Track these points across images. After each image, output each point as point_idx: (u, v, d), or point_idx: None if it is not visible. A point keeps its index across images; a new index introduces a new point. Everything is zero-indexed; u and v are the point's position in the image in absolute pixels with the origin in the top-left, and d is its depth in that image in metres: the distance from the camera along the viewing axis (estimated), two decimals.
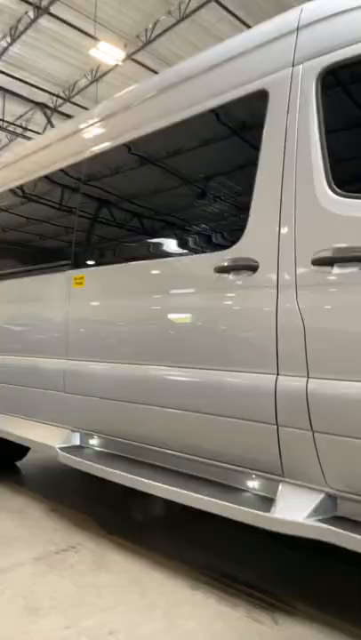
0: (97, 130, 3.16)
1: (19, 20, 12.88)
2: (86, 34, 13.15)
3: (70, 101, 16.45)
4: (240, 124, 2.42)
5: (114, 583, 2.30)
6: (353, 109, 2.03)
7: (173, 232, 2.64)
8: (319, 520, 1.81)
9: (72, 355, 2.99)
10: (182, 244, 2.55)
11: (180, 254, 2.50)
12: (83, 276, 3.00)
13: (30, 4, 12.32)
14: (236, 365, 2.14)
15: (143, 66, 14.36)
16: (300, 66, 2.06)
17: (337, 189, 1.86)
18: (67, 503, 3.36)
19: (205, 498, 2.11)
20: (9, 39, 13.46)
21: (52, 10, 12.36)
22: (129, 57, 14.03)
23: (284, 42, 2.19)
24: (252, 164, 2.19)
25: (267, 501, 2.00)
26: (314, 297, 1.86)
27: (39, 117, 17.53)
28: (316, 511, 1.84)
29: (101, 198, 3.08)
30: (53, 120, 17.27)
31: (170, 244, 2.61)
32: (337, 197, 1.85)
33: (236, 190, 2.37)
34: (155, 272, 2.60)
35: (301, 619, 2.01)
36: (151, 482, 2.35)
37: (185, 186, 2.63)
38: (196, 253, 2.43)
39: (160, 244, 2.65)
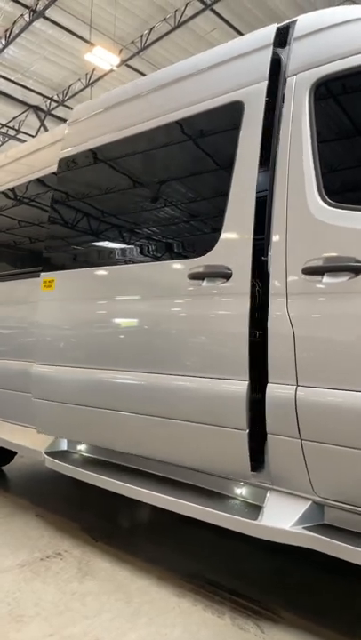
0: (72, 135, 3.15)
1: (14, 23, 12.87)
2: (81, 38, 13.19)
3: (64, 105, 16.45)
4: (216, 133, 2.43)
5: (99, 590, 2.28)
6: (345, 120, 2.05)
7: (148, 238, 2.63)
8: (306, 528, 1.81)
9: (39, 358, 2.97)
10: (157, 250, 2.55)
11: (155, 260, 2.51)
12: (53, 279, 2.99)
13: (26, 7, 12.33)
14: (208, 372, 2.16)
15: (138, 72, 14.42)
16: (294, 77, 2.09)
17: (329, 199, 1.89)
18: (53, 509, 3.33)
19: (193, 505, 2.10)
20: (4, 41, 13.45)
21: (48, 13, 12.38)
22: (124, 62, 14.09)
23: (258, 56, 2.24)
24: (226, 173, 2.22)
25: (254, 509, 2.01)
26: (304, 306, 1.88)
27: (33, 120, 17.51)
28: (303, 519, 1.85)
29: (73, 204, 3.06)
30: (47, 123, 17.26)
31: (143, 250, 2.62)
32: (328, 207, 1.87)
33: (210, 198, 2.39)
34: (127, 277, 2.60)
35: (286, 627, 2.01)
36: (138, 488, 2.34)
37: (161, 192, 2.63)
38: (170, 259, 2.43)
39: (134, 249, 2.66)
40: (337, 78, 1.97)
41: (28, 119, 17.58)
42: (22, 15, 12.60)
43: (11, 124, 18.13)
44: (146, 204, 2.68)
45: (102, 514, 3.28)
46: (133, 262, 2.59)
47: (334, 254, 1.81)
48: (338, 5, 8.45)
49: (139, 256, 2.60)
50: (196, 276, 2.22)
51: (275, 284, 1.98)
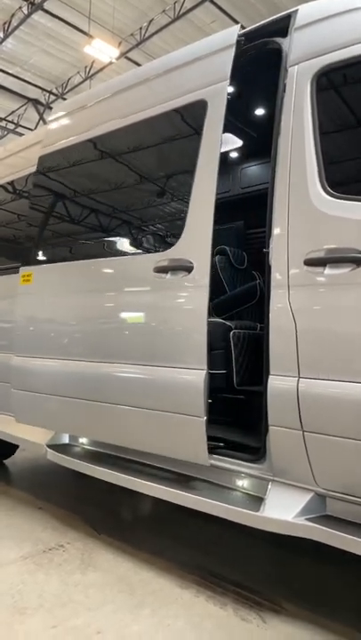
0: (50, 133, 3.27)
1: (12, 16, 12.77)
2: (80, 31, 13.08)
3: (63, 98, 16.34)
4: (182, 131, 2.52)
5: (102, 582, 2.29)
6: (348, 110, 2.04)
7: (117, 233, 2.77)
8: (308, 519, 1.82)
9: (17, 350, 3.08)
10: (126, 245, 2.67)
11: (124, 254, 2.62)
12: (30, 274, 3.09)
13: None
14: (171, 361, 2.26)
15: (137, 64, 14.32)
16: (295, 67, 2.07)
17: (331, 191, 1.87)
18: (55, 501, 3.34)
19: (195, 496, 2.11)
20: (2, 34, 13.33)
21: (47, 6, 12.26)
22: (123, 55, 13.99)
23: (222, 56, 2.33)
24: (191, 171, 2.30)
25: (256, 500, 2.01)
26: (306, 297, 1.87)
27: (32, 113, 17.42)
28: (305, 510, 1.85)
29: (49, 201, 3.18)
30: (46, 116, 17.17)
31: (114, 245, 2.74)
32: (331, 199, 1.86)
33: (176, 195, 2.50)
34: (99, 271, 2.70)
35: (289, 617, 2.02)
36: (140, 480, 2.35)
37: (130, 189, 2.75)
38: (138, 254, 2.54)
39: (105, 244, 2.78)
40: (339, 68, 1.95)
41: (27, 113, 17.48)
42: (21, 8, 12.48)
43: (10, 118, 18.03)
44: (116, 201, 2.83)
45: (105, 506, 3.29)
46: (105, 256, 2.70)
47: (336, 245, 1.81)
48: None
49: (110, 251, 2.73)
50: (161, 270, 2.32)
51: (276, 276, 1.98)
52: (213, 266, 2.15)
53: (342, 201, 1.83)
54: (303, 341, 1.85)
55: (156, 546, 2.67)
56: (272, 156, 2.08)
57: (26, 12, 12.48)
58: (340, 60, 1.93)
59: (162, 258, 2.32)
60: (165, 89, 2.56)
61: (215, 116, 2.27)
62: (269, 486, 2.00)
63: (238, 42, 2.33)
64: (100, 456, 2.75)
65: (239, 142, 4.10)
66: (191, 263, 2.22)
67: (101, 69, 14.85)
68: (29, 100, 16.96)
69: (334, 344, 1.78)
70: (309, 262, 1.86)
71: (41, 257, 3.12)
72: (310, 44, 2.04)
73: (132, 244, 2.64)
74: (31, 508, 3.24)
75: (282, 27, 2.21)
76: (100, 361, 2.58)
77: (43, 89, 16.35)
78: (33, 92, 16.64)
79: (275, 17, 2.27)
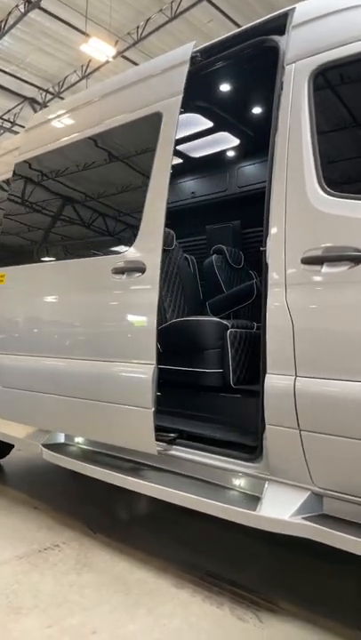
0: (24, 142, 3.47)
1: (9, 14, 12.72)
2: (77, 29, 13.05)
3: (60, 97, 16.30)
4: (140, 142, 2.66)
5: (97, 582, 2.28)
6: (345, 108, 2.03)
7: (81, 237, 2.97)
8: (305, 518, 1.81)
9: None
10: (89, 248, 2.84)
11: (87, 256, 2.78)
12: (4, 274, 3.29)
13: None
14: (125, 357, 2.42)
15: (134, 63, 14.29)
16: (293, 65, 2.06)
17: (328, 189, 1.87)
18: (51, 501, 3.33)
19: (191, 496, 2.10)
20: None
21: (43, 4, 12.22)
22: (120, 54, 13.96)
23: (177, 72, 2.45)
24: (146, 178, 2.46)
25: (253, 499, 2.00)
26: (303, 296, 1.86)
27: (28, 112, 17.34)
28: (301, 509, 1.84)
29: (21, 206, 3.42)
30: None
31: (78, 248, 2.95)
32: (328, 197, 1.85)
33: (132, 202, 2.66)
34: (64, 272, 2.89)
35: (285, 617, 2.01)
36: (136, 480, 2.34)
37: (92, 197, 2.96)
38: (99, 256, 2.70)
39: (70, 247, 3.02)
40: (336, 65, 1.94)
41: (24, 111, 17.41)
42: (17, 6, 12.43)
43: (6, 117, 17.96)
44: (80, 207, 3.03)
45: (101, 506, 3.28)
46: (70, 258, 2.90)
47: (334, 244, 1.80)
48: None
49: (74, 253, 2.93)
50: (118, 271, 2.47)
51: (273, 274, 1.97)
52: (164, 267, 2.43)
53: (340, 199, 1.83)
54: (300, 340, 1.84)
55: (152, 545, 2.66)
56: (269, 155, 2.07)
57: (23, 10, 12.44)
58: (338, 58, 1.93)
59: (119, 260, 2.49)
60: (127, 101, 2.72)
61: (169, 128, 2.42)
62: (266, 485, 2.00)
63: (193, 58, 2.45)
64: (96, 455, 2.74)
65: (236, 141, 4.10)
66: (144, 265, 2.36)
67: (98, 68, 14.81)
68: (26, 98, 16.90)
69: (331, 343, 1.77)
70: (307, 261, 1.85)
71: (13, 258, 3.33)
72: (308, 41, 2.04)
73: (93, 247, 2.81)
74: (26, 507, 3.22)
75: (279, 25, 2.20)
76: (64, 357, 2.75)
77: (39, 87, 16.29)
78: (29, 91, 16.58)
79: (272, 15, 2.26)
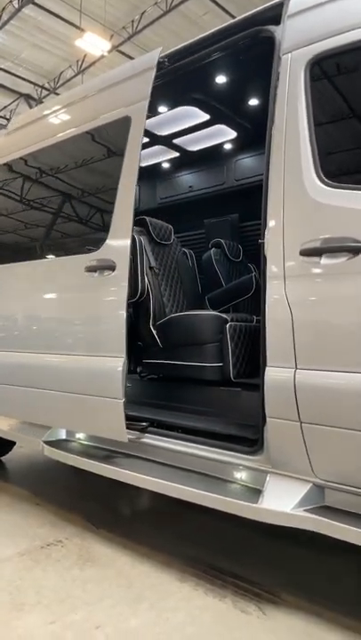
0: (1, 146, 3.64)
1: (3, 10, 12.64)
2: (72, 24, 12.98)
3: (55, 92, 16.23)
4: (110, 145, 2.81)
5: (100, 577, 2.28)
6: (342, 98, 2.02)
7: (57, 237, 3.18)
8: (307, 510, 1.81)
9: None
10: (64, 247, 3.04)
11: (62, 255, 2.96)
12: None
13: None
14: (97, 351, 2.56)
15: (129, 57, 14.21)
16: (289, 55, 2.04)
17: (326, 180, 1.85)
18: (53, 497, 3.33)
19: (193, 490, 2.10)
20: None
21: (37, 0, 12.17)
22: (115, 48, 13.89)
23: (144, 77, 2.55)
24: (116, 179, 2.56)
25: (254, 492, 2.00)
26: (302, 288, 1.85)
27: (24, 109, 17.27)
28: (303, 501, 1.84)
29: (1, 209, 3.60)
30: None
31: (54, 247, 3.14)
32: (326, 188, 1.84)
33: (103, 202, 2.80)
34: (42, 270, 3.05)
35: (288, 609, 2.01)
36: (137, 474, 2.34)
37: (68, 198, 3.11)
38: (74, 255, 2.82)
39: (47, 247, 3.19)
40: (333, 55, 1.92)
41: (20, 108, 17.34)
42: (11, 2, 12.37)
43: (2, 113, 17.89)
44: (55, 209, 3.20)
45: (103, 501, 3.28)
46: (46, 258, 3.08)
47: (332, 235, 1.79)
48: None
49: (51, 253, 3.11)
50: (91, 269, 2.59)
51: (272, 267, 1.96)
52: (133, 265, 2.55)
53: (338, 190, 1.81)
54: (300, 332, 1.84)
55: (154, 540, 2.66)
56: (266, 146, 2.05)
57: (17, 5, 12.37)
58: (334, 47, 1.90)
59: (92, 259, 2.59)
60: (99, 106, 2.84)
61: (137, 131, 2.52)
62: (267, 478, 2.00)
63: (160, 63, 2.55)
64: (98, 450, 2.74)
65: (233, 134, 4.08)
66: (114, 263, 2.48)
67: (93, 63, 14.75)
68: (21, 95, 16.83)
69: (331, 334, 1.76)
70: (305, 252, 1.84)
71: None
72: (303, 31, 2.02)
73: (69, 247, 3.01)
74: (28, 503, 3.23)
75: (275, 14, 2.18)
76: (42, 353, 2.91)
77: (35, 84, 16.22)
78: (25, 87, 16.51)
79: (267, 5, 2.24)
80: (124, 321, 2.41)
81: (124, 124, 2.59)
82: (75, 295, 2.73)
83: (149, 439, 2.52)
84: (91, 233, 2.92)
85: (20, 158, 3.39)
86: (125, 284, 2.41)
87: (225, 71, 3.14)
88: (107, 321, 2.52)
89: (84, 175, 3.05)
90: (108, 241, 2.55)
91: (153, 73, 2.50)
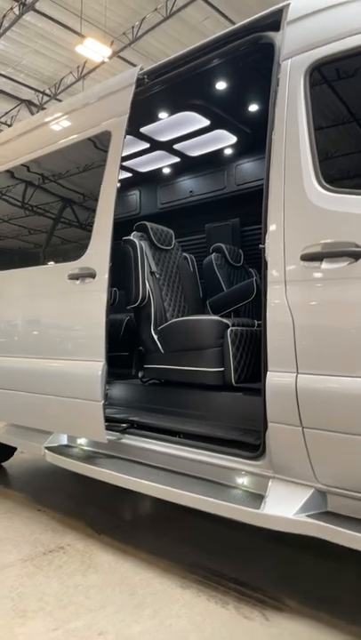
0: None
1: (4, 16, 12.71)
2: (72, 30, 13.03)
3: (56, 98, 16.30)
4: (92, 158, 2.91)
5: (102, 583, 2.27)
6: (342, 104, 2.02)
7: (42, 246, 3.26)
8: (309, 516, 1.80)
9: None
10: (49, 256, 3.13)
11: (47, 263, 3.07)
12: None
13: (15, 0, 12.16)
14: (79, 355, 2.66)
15: (130, 63, 14.28)
16: (288, 61, 2.05)
17: (326, 185, 1.86)
18: (55, 503, 3.33)
19: (195, 495, 2.09)
20: None
21: (38, 6, 12.22)
22: (115, 54, 13.94)
23: (123, 93, 2.68)
24: (97, 191, 2.67)
25: (256, 498, 2.00)
26: (303, 292, 1.86)
27: (25, 114, 17.35)
28: (306, 507, 1.84)
29: None
30: None
31: (40, 256, 3.22)
32: (327, 193, 1.84)
33: (85, 214, 2.92)
34: (27, 278, 3.14)
35: (291, 615, 2.00)
36: (139, 480, 2.33)
37: (52, 209, 3.27)
38: (58, 263, 2.95)
39: (33, 256, 3.30)
40: (332, 60, 1.93)
41: (21, 114, 17.42)
42: (12, 8, 12.43)
43: (3, 119, 17.96)
44: (40, 219, 3.35)
45: (105, 507, 3.28)
46: (32, 266, 3.14)
47: (333, 240, 1.79)
48: None
49: (36, 260, 3.19)
50: (73, 277, 2.71)
51: (272, 272, 1.96)
52: (112, 272, 2.57)
53: (338, 195, 1.82)
54: (301, 337, 1.84)
55: (156, 546, 2.65)
56: (266, 152, 2.06)
57: (17, 12, 12.43)
58: (333, 53, 1.91)
59: (74, 267, 2.71)
60: (82, 121, 2.98)
61: (116, 145, 2.64)
62: (270, 483, 1.99)
63: (139, 79, 2.67)
64: (100, 456, 2.73)
65: (233, 139, 4.09)
66: (95, 271, 2.59)
67: (94, 69, 14.81)
68: (22, 100, 16.90)
69: (332, 339, 1.76)
70: (306, 257, 1.84)
71: None
72: (303, 37, 2.03)
73: (53, 256, 3.11)
74: (30, 510, 3.22)
75: (274, 21, 2.19)
76: (28, 357, 3.01)
77: (36, 90, 16.29)
78: (26, 93, 16.58)
79: (267, 11, 2.25)
80: (104, 326, 2.50)
81: (104, 137, 2.73)
82: (58, 302, 2.84)
83: (150, 444, 2.53)
84: (74, 241, 3.03)
85: (7, 171, 3.55)
86: (105, 290, 2.52)
87: (225, 77, 3.16)
88: (87, 326, 2.63)
89: (68, 186, 3.17)
90: (89, 249, 2.67)
91: (132, 89, 2.63)
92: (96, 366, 2.54)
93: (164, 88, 2.74)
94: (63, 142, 3.05)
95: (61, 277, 2.77)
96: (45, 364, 2.87)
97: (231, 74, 3.09)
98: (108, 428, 2.57)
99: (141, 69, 2.70)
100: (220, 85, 3.26)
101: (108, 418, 2.60)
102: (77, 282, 2.69)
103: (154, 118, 3.70)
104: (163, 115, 3.67)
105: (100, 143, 2.79)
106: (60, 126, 3.15)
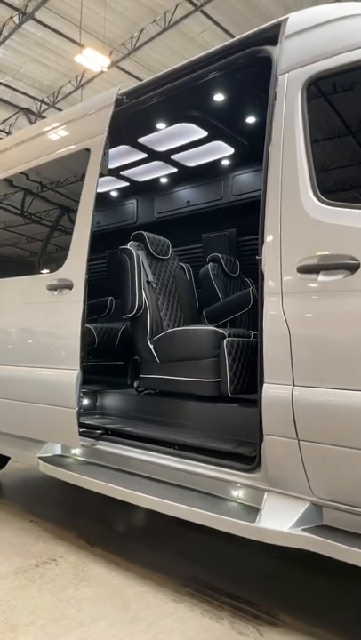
0: None
1: (4, 25, 12.80)
2: (71, 40, 13.14)
3: (55, 107, 16.38)
4: (73, 173, 3.00)
5: (95, 596, 2.24)
6: (338, 118, 2.04)
7: (23, 257, 3.42)
8: (305, 529, 1.79)
9: None
10: (29, 267, 3.21)
11: (27, 274, 3.12)
12: None
13: (15, 9, 12.26)
14: (55, 363, 2.74)
15: (128, 73, 14.40)
16: (286, 75, 2.07)
17: (323, 198, 1.86)
18: (48, 514, 3.29)
19: (189, 508, 2.07)
20: None
21: (38, 15, 12.32)
22: (114, 64, 14.05)
23: (102, 113, 2.78)
24: (76, 206, 2.78)
25: (252, 511, 1.98)
26: (299, 304, 1.86)
27: (23, 123, 17.42)
28: (301, 521, 1.82)
29: None
30: None
31: (20, 267, 3.33)
32: (323, 206, 1.85)
33: (64, 227, 3.04)
34: (7, 288, 3.22)
35: (286, 630, 1.98)
36: (133, 492, 2.31)
37: (34, 221, 3.39)
38: (37, 274, 3.04)
39: (14, 266, 3.38)
40: (329, 75, 1.95)
41: (19, 122, 17.48)
42: (12, 17, 12.52)
43: (1, 127, 18.02)
44: (20, 232, 3.47)
45: (98, 519, 3.24)
46: (13, 276, 3.23)
47: (329, 252, 1.80)
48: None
49: (17, 271, 3.26)
50: (51, 287, 2.80)
51: (269, 283, 1.96)
52: (87, 284, 2.65)
53: (335, 208, 1.83)
54: (297, 349, 1.83)
55: (150, 558, 2.62)
56: (263, 164, 2.07)
57: (17, 21, 12.52)
58: (330, 68, 1.93)
59: (52, 278, 2.81)
60: (62, 138, 3.11)
61: (95, 162, 2.72)
62: (265, 496, 1.98)
63: (118, 100, 2.78)
64: (94, 467, 2.71)
65: (230, 150, 4.11)
66: (72, 282, 2.69)
67: (93, 78, 14.91)
68: (21, 109, 16.97)
69: (329, 351, 1.76)
70: (302, 269, 1.85)
71: None
72: (300, 52, 2.05)
73: (33, 267, 3.18)
74: (22, 520, 3.18)
75: (272, 35, 2.22)
76: (6, 365, 3.09)
77: (34, 98, 16.37)
78: (24, 102, 16.65)
79: (265, 25, 2.27)
80: (79, 336, 2.59)
81: (84, 155, 2.82)
82: (37, 311, 2.94)
83: (148, 456, 2.50)
84: (53, 254, 3.11)
85: None
86: (82, 301, 2.61)
87: (223, 89, 3.18)
88: (64, 336, 2.71)
89: (50, 199, 3.28)
90: (67, 261, 2.76)
91: (111, 109, 2.73)
92: (71, 374, 2.61)
93: (162, 100, 2.76)
94: (45, 158, 3.16)
95: (40, 288, 2.86)
96: (24, 371, 2.95)
97: (229, 86, 3.12)
98: (83, 434, 2.67)
99: (119, 90, 2.80)
100: (218, 97, 3.28)
101: (83, 424, 2.71)
102: (55, 292, 2.78)
103: (152, 129, 3.72)
104: (161, 125, 3.69)
105: (80, 160, 2.87)
106: (45, 142, 3.24)
